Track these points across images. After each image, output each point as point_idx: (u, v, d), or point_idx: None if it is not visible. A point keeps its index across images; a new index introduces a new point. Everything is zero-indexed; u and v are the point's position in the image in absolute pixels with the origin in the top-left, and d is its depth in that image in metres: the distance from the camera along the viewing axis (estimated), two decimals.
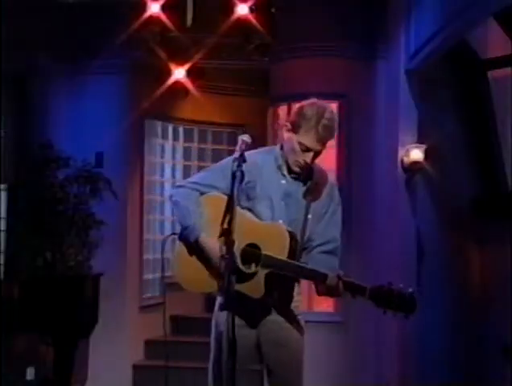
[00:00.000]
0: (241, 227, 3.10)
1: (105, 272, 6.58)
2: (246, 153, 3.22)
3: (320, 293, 3.26)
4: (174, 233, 3.49)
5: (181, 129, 8.35)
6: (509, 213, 6.98)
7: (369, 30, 6.84)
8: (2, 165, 6.62)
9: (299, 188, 3.38)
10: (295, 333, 3.40)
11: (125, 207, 7.32)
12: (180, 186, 3.48)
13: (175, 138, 8.33)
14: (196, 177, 3.50)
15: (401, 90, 6.79)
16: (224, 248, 3.12)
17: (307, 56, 6.84)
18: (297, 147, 3.31)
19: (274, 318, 3.35)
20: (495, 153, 7.48)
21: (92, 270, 6.68)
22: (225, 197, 3.23)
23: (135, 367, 7.41)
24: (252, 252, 3.21)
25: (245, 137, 3.28)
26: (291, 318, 3.38)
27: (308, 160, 3.31)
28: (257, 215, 3.34)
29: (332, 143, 6.82)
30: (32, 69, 7.08)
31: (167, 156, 8.26)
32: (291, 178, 3.39)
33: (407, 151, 6.74)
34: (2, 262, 6.49)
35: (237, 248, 3.14)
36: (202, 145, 8.47)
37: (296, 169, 3.35)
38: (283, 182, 3.36)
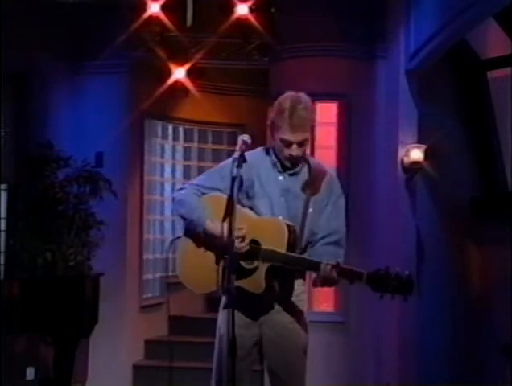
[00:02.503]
0: (240, 224, 3.16)
1: (105, 272, 6.58)
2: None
3: (315, 284, 3.28)
4: (178, 237, 3.54)
5: (181, 129, 8.35)
6: (509, 213, 6.98)
7: (369, 30, 6.84)
8: (1, 165, 6.61)
9: (298, 183, 3.40)
10: (298, 334, 3.41)
11: (125, 207, 7.32)
12: (182, 188, 3.56)
13: (175, 138, 8.33)
14: (196, 180, 3.57)
15: (401, 90, 6.79)
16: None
17: (307, 56, 6.84)
18: (280, 143, 3.34)
19: (278, 318, 3.35)
20: (495, 154, 7.49)
21: (92, 270, 6.68)
22: (225, 196, 3.26)
23: (135, 367, 7.41)
24: (252, 248, 3.23)
25: (245, 137, 3.31)
26: (294, 310, 3.39)
27: (294, 153, 3.33)
28: (257, 213, 3.38)
29: (332, 143, 6.91)
30: (32, 69, 7.07)
31: (167, 156, 8.26)
32: (288, 174, 3.41)
33: (407, 151, 6.74)
34: (2, 262, 6.48)
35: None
36: (202, 145, 8.47)
37: (288, 164, 3.37)
38: (281, 178, 3.39)
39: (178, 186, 7.36)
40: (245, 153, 3.31)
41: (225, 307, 3.38)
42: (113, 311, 6.97)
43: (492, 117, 7.48)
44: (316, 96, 6.88)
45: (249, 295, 3.22)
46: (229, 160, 3.31)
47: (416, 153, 6.72)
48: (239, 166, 3.18)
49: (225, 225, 3.20)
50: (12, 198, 6.61)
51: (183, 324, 7.57)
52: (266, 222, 3.25)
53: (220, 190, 3.40)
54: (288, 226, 3.25)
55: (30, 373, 6.67)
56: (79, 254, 6.62)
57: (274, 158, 3.42)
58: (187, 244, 3.43)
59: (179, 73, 7.25)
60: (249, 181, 3.37)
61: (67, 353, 6.34)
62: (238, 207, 3.27)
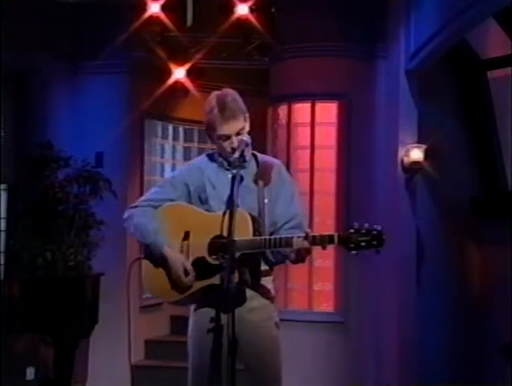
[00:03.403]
0: (203, 222, 3.26)
1: (105, 272, 6.58)
2: (188, 163, 3.62)
3: (293, 260, 3.30)
4: (139, 258, 3.65)
5: (181, 129, 8.35)
6: (509, 213, 6.99)
7: (369, 30, 6.84)
8: (1, 165, 6.61)
9: (248, 177, 3.42)
10: (271, 331, 3.42)
11: (125, 207, 7.26)
12: (134, 207, 3.62)
13: (175, 138, 8.33)
14: (148, 194, 3.63)
15: (401, 90, 6.79)
16: (186, 260, 3.32)
17: (307, 56, 6.84)
18: (220, 142, 3.39)
19: (250, 317, 3.36)
20: (495, 154, 7.49)
21: (92, 270, 6.67)
22: (181, 204, 3.41)
23: (135, 367, 7.41)
24: (219, 243, 3.26)
25: (245, 137, 3.35)
26: (265, 307, 3.42)
27: (235, 145, 3.36)
28: None
29: (332, 143, 6.91)
30: (32, 69, 7.08)
31: (167, 156, 8.26)
32: (236, 170, 3.41)
33: (407, 151, 6.75)
34: (2, 262, 6.48)
35: (204, 245, 3.28)
36: (202, 145, 8.46)
37: (232, 159, 3.37)
38: (230, 176, 3.39)
39: None
40: (193, 161, 3.58)
41: (197, 309, 3.49)
42: (113, 311, 6.96)
43: (492, 117, 7.49)
44: (316, 96, 6.97)
45: (219, 291, 3.22)
46: (178, 170, 3.51)
47: (416, 153, 6.72)
48: (239, 166, 3.21)
49: (181, 258, 3.33)
50: (12, 198, 6.61)
51: (183, 324, 7.56)
52: (227, 215, 3.24)
53: (172, 200, 3.46)
54: (250, 215, 3.28)
55: (30, 373, 6.66)
56: (79, 254, 6.61)
57: (219, 158, 3.47)
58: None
59: (179, 73, 7.26)
60: (201, 187, 3.43)
61: (67, 353, 6.33)
62: (194, 208, 3.39)
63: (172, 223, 3.41)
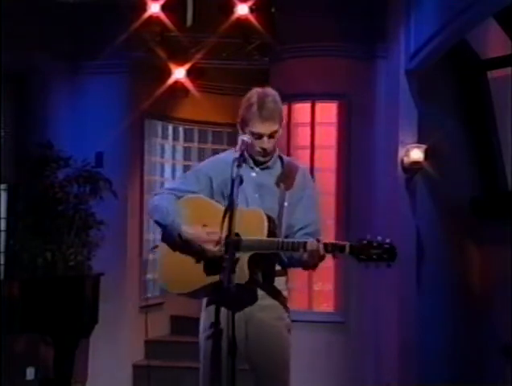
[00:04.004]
0: (219, 218, 3.19)
1: (105, 272, 6.58)
2: (214, 157, 3.56)
3: (305, 266, 3.29)
4: (156, 246, 3.59)
5: (181, 129, 8.35)
6: (509, 213, 6.99)
7: (369, 30, 6.84)
8: (1, 165, 6.61)
9: (271, 178, 3.44)
10: (281, 332, 3.42)
11: (126, 207, 7.32)
12: (157, 194, 3.60)
13: (175, 138, 8.33)
14: (171, 184, 3.70)
15: (401, 90, 6.79)
16: (208, 232, 3.27)
17: (307, 56, 6.84)
18: (251, 138, 3.37)
19: (261, 315, 3.35)
20: (495, 154, 7.49)
21: (92, 270, 6.67)
22: (202, 197, 3.40)
23: (135, 367, 7.41)
24: (231, 240, 3.21)
25: (245, 137, 3.35)
26: (277, 307, 3.41)
27: (265, 145, 3.37)
28: None
29: (332, 143, 6.91)
30: (32, 69, 7.08)
31: (167, 156, 8.26)
32: (261, 169, 3.45)
33: (407, 151, 6.74)
34: (2, 262, 6.48)
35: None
36: (202, 145, 8.47)
37: (259, 158, 3.41)
38: (253, 174, 3.42)
39: None
40: (219, 155, 3.55)
41: (208, 305, 3.42)
42: (113, 311, 6.97)
43: (492, 117, 7.49)
44: (316, 96, 6.98)
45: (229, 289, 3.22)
46: (203, 163, 3.56)
47: (416, 153, 6.72)
48: (239, 166, 3.20)
49: (202, 230, 3.29)
50: (12, 198, 6.61)
51: (183, 324, 7.57)
52: (244, 214, 3.24)
53: (195, 192, 3.45)
54: (267, 215, 3.29)
55: (30, 373, 6.66)
56: (79, 254, 6.62)
57: (245, 155, 3.44)
58: (166, 247, 3.46)
59: (179, 73, 7.26)
60: (225, 181, 3.40)
61: (67, 353, 6.33)
62: (214, 203, 3.37)
63: (191, 215, 3.38)
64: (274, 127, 3.36)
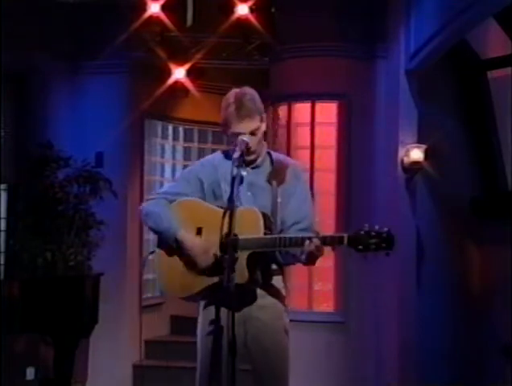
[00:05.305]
0: (216, 219, 3.18)
1: (105, 272, 6.58)
2: (203, 159, 3.58)
3: (303, 262, 3.28)
4: (153, 251, 3.57)
5: (181, 129, 8.35)
6: (509, 213, 6.99)
7: (369, 30, 6.84)
8: (1, 165, 6.61)
9: (262, 176, 3.44)
10: (279, 331, 3.41)
11: (125, 207, 7.32)
12: (149, 199, 3.59)
13: (175, 138, 8.33)
14: (164, 188, 3.68)
15: (401, 90, 6.79)
16: (204, 243, 3.29)
17: (307, 56, 6.84)
18: (234, 139, 3.37)
19: (259, 315, 3.35)
20: (495, 154, 7.49)
21: (92, 270, 6.67)
22: (195, 199, 3.41)
23: (135, 367, 7.41)
24: (229, 240, 3.21)
25: (245, 137, 3.34)
26: (275, 306, 3.41)
27: (249, 145, 3.35)
28: None
29: (332, 143, 6.91)
30: (32, 69, 7.08)
31: (167, 156, 8.26)
32: (251, 168, 3.44)
33: (407, 151, 6.75)
34: (2, 262, 6.48)
35: (216, 242, 3.23)
36: (202, 145, 8.47)
37: (247, 157, 3.39)
38: (244, 173, 3.39)
39: None
40: (207, 157, 3.57)
41: (206, 306, 3.43)
42: (113, 311, 6.97)
43: (492, 117, 7.49)
44: (316, 96, 6.98)
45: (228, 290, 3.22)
46: (193, 165, 3.58)
47: (416, 153, 6.72)
48: (239, 166, 3.20)
49: (196, 240, 3.31)
50: (12, 198, 6.61)
51: (183, 324, 7.57)
52: (239, 213, 3.21)
53: (186, 194, 3.46)
54: (262, 213, 3.29)
55: (30, 373, 6.66)
56: (79, 254, 6.61)
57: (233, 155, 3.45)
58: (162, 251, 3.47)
59: (179, 73, 7.25)
60: (216, 182, 3.42)
61: (67, 353, 6.33)
62: (207, 205, 3.38)
63: (185, 219, 3.39)
64: (254, 125, 3.36)
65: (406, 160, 6.75)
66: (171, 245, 3.38)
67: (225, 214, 3.14)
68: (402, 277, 6.75)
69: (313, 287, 6.75)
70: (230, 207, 3.11)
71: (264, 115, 3.42)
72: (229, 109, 3.36)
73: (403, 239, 6.74)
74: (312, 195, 3.59)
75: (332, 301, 6.79)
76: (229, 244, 3.09)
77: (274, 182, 3.41)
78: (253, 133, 3.36)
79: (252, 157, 3.41)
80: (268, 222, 3.30)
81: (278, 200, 3.39)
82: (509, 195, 7.34)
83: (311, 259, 3.24)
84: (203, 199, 3.44)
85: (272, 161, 3.49)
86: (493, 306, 7.24)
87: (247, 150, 3.35)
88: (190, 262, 3.34)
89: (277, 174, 3.43)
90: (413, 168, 6.77)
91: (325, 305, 6.81)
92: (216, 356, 3.21)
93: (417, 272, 6.90)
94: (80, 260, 6.62)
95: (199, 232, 3.37)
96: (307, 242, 3.17)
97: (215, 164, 3.47)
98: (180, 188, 3.49)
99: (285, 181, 3.43)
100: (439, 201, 7.49)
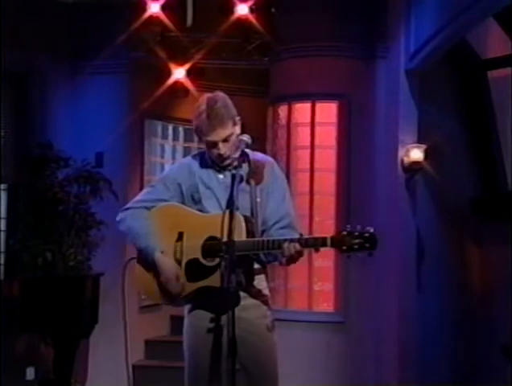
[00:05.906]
0: (197, 223, 3.24)
1: (105, 272, 6.58)
2: (178, 162, 3.63)
3: (283, 263, 3.29)
4: (133, 258, 3.63)
5: (181, 129, 8.35)
6: (509, 213, 6.98)
7: (369, 30, 6.84)
8: (1, 165, 6.61)
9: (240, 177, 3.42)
10: (264, 330, 3.42)
11: None
12: (127, 209, 3.56)
13: (175, 138, 8.33)
14: (141, 195, 3.59)
15: (401, 90, 6.79)
16: (178, 268, 3.32)
17: (307, 56, 6.84)
18: (206, 147, 3.41)
19: (243, 315, 3.33)
20: (495, 153, 7.49)
21: (92, 270, 6.67)
22: (174, 205, 3.40)
23: (135, 367, 7.41)
24: (212, 245, 3.25)
25: (245, 137, 3.36)
26: (259, 306, 3.41)
27: (221, 151, 3.37)
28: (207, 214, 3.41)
29: (332, 143, 6.90)
30: (32, 69, 7.08)
31: (167, 156, 8.26)
32: (228, 170, 3.42)
33: (407, 151, 6.75)
34: (3, 262, 6.49)
35: (198, 246, 3.26)
36: (202, 145, 8.41)
37: (221, 164, 3.41)
38: (221, 176, 3.42)
39: None
40: (183, 160, 3.59)
41: (192, 310, 3.45)
42: (112, 311, 6.96)
43: (492, 117, 7.49)
44: (316, 96, 6.97)
45: (214, 293, 3.24)
46: (169, 170, 3.61)
47: (416, 153, 6.72)
48: (239, 166, 3.21)
49: (172, 265, 3.33)
50: (12, 198, 6.61)
51: (183, 324, 7.56)
52: (220, 217, 3.20)
53: (165, 200, 3.45)
54: (244, 216, 3.27)
55: (30, 373, 6.66)
56: (79, 254, 6.61)
57: (209, 160, 3.47)
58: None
59: (179, 73, 7.26)
60: (194, 186, 3.42)
61: (67, 353, 6.34)
62: (187, 209, 3.38)
63: (166, 224, 3.40)
64: (226, 132, 3.35)
65: (406, 160, 6.75)
66: (149, 262, 3.43)
67: (221, 216, 3.13)
68: (402, 277, 6.75)
69: (313, 287, 6.75)
70: (230, 208, 3.11)
71: (237, 118, 3.41)
72: (200, 117, 3.37)
73: (403, 239, 6.75)
74: (291, 191, 3.60)
75: (332, 301, 6.78)
76: (230, 245, 3.08)
77: (253, 182, 3.40)
78: (225, 140, 3.35)
79: (226, 162, 3.40)
80: (250, 224, 3.29)
81: (258, 200, 3.39)
82: (509, 195, 7.34)
83: (291, 262, 3.25)
84: (182, 203, 3.43)
85: (249, 160, 3.46)
86: (493, 306, 7.24)
87: (221, 158, 3.36)
88: (162, 283, 3.38)
89: (254, 173, 3.42)
90: (413, 168, 6.77)
91: (325, 305, 6.80)
92: (210, 358, 3.24)
93: (417, 272, 6.90)
94: (80, 260, 6.62)
95: (180, 237, 3.36)
96: (287, 244, 3.16)
97: (191, 167, 3.47)
98: (159, 194, 3.47)
99: (263, 180, 3.42)
100: (439, 201, 7.48)
